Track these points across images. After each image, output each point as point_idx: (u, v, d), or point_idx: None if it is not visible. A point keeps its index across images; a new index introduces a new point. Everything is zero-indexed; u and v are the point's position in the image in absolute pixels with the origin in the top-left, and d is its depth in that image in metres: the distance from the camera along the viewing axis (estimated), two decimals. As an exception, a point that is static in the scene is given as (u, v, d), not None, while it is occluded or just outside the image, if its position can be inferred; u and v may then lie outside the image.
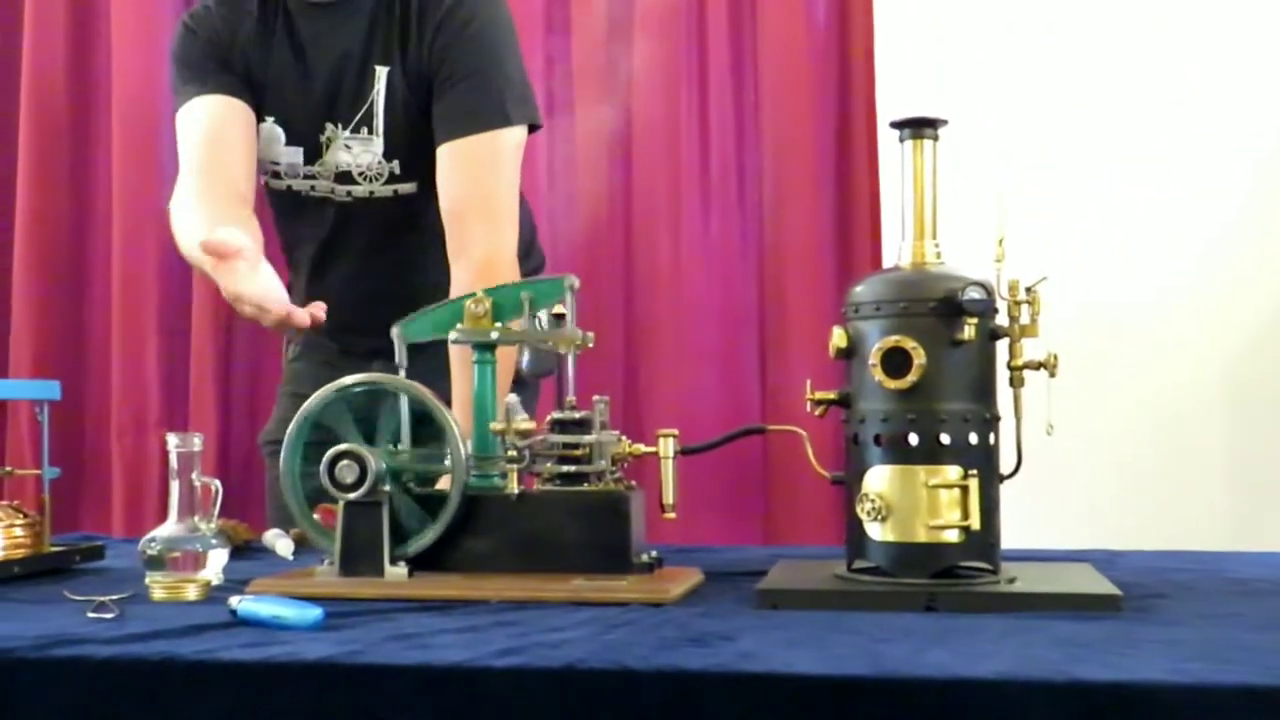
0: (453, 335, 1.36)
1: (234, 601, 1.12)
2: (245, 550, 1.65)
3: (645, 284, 2.63)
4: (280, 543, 1.60)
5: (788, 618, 1.09)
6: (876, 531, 1.18)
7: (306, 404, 1.33)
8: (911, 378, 1.17)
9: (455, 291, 1.75)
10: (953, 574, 1.18)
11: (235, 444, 2.72)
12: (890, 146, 2.50)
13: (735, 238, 2.61)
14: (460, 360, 1.71)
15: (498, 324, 1.34)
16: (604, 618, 1.09)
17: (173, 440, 1.37)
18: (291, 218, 2.02)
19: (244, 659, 0.94)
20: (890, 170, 2.50)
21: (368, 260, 1.96)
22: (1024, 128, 2.51)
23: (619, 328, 2.58)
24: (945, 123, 1.24)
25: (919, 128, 1.24)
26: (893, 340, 1.18)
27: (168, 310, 2.76)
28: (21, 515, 1.51)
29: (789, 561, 1.38)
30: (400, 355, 1.37)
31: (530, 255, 2.09)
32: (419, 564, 1.29)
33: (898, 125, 1.25)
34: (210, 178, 1.82)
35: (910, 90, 2.49)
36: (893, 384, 1.18)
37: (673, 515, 1.28)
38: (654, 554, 1.30)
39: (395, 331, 1.38)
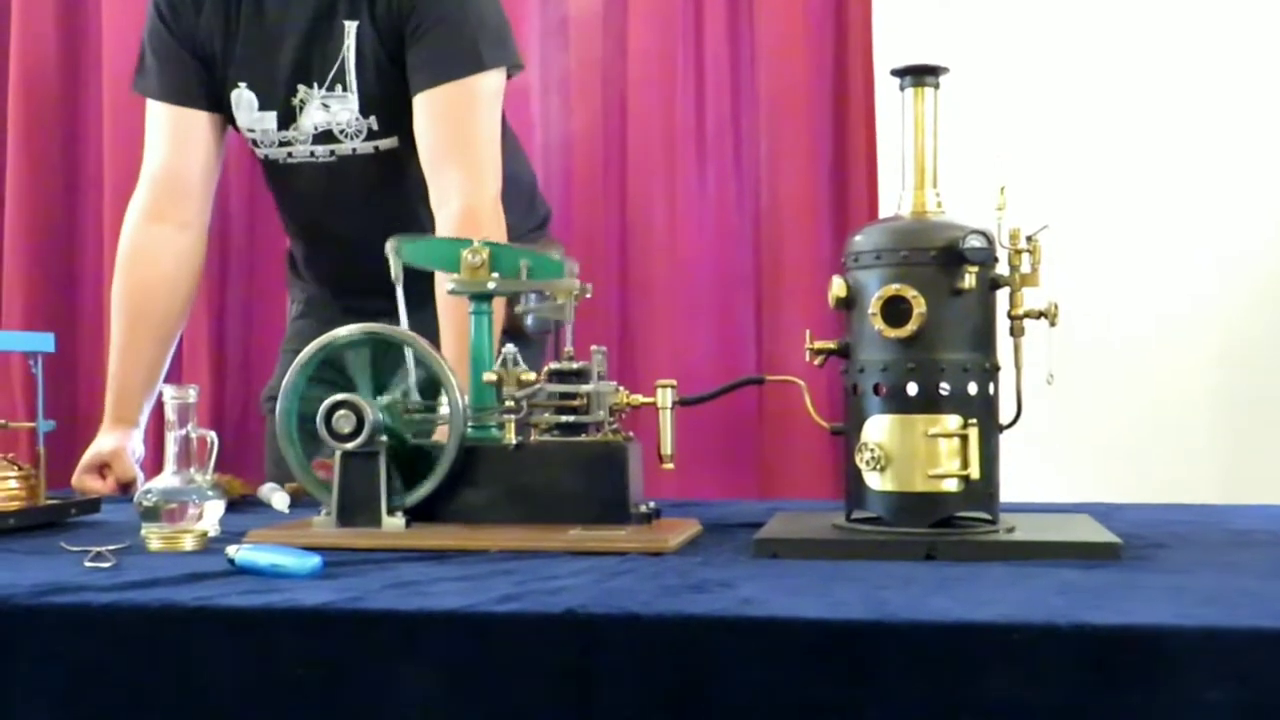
0: (449, 285, 1.35)
1: (232, 550, 1.11)
2: (240, 504, 1.65)
3: (640, 239, 2.61)
4: (276, 496, 1.59)
5: (787, 566, 1.08)
6: (875, 481, 1.18)
7: (301, 355, 1.32)
8: (911, 327, 1.16)
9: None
10: (952, 524, 1.17)
11: (229, 401, 2.71)
12: (887, 101, 2.51)
13: (731, 192, 2.59)
14: (450, 313, 1.70)
15: (495, 274, 1.33)
16: (603, 567, 1.08)
17: (169, 392, 1.37)
18: (278, 184, 2.02)
19: (243, 605, 0.93)
20: (887, 125, 2.49)
21: (358, 220, 1.95)
22: (1024, 77, 2.49)
23: (614, 283, 2.57)
24: (946, 71, 1.23)
25: (920, 75, 1.23)
26: (893, 289, 1.17)
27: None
28: (16, 468, 1.50)
29: (787, 513, 1.37)
30: (396, 270, 1.36)
31: (533, 208, 2.08)
32: (416, 515, 1.28)
33: (899, 73, 1.23)
34: (161, 194, 1.93)
35: (908, 41, 2.47)
36: (892, 333, 1.17)
37: (671, 466, 1.28)
38: (652, 505, 1.29)
39: (390, 246, 1.37)
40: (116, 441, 1.88)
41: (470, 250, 1.33)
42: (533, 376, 1.30)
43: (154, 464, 2.61)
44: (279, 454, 2.08)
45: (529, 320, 1.58)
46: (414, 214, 1.88)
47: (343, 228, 1.97)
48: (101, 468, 1.87)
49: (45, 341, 1.53)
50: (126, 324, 1.94)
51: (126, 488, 1.86)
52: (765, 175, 2.59)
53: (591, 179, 2.62)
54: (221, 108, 1.94)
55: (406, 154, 1.87)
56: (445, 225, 1.78)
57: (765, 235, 2.58)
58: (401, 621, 0.90)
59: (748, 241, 2.58)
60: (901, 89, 1.23)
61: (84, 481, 1.84)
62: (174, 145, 1.93)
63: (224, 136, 1.99)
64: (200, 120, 1.93)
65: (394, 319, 1.36)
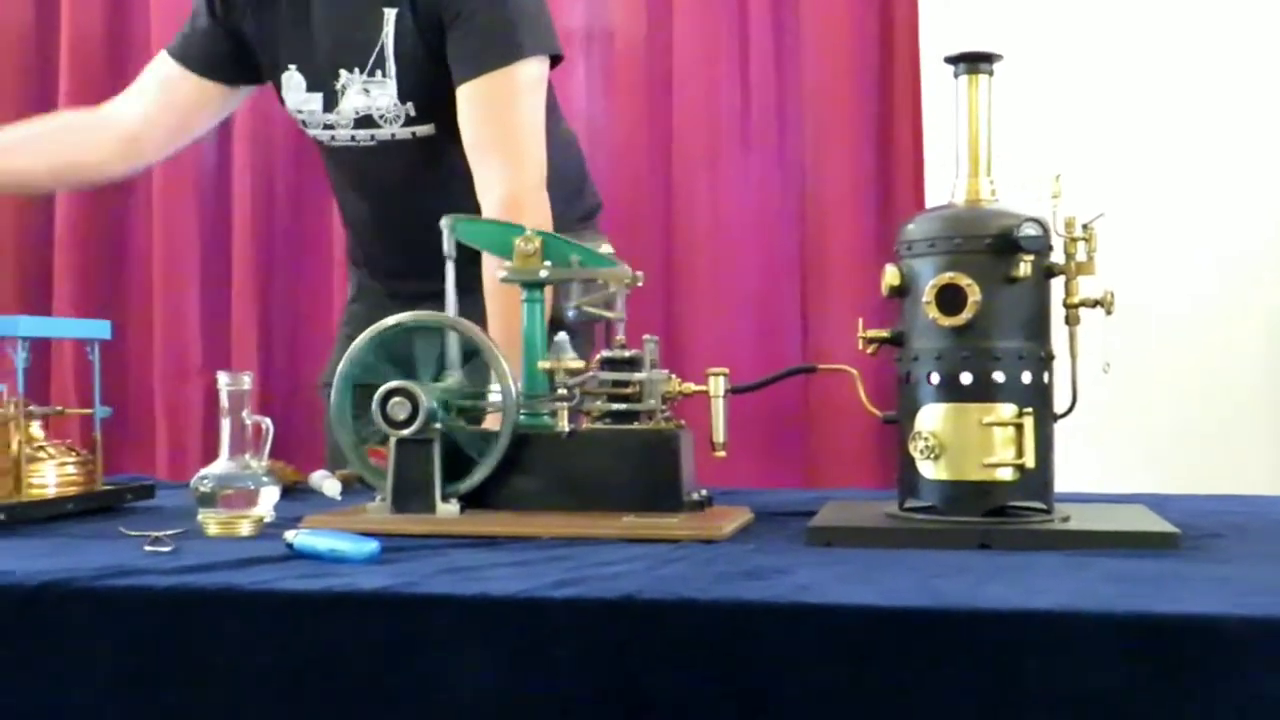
0: (501, 274, 1.36)
1: (290, 535, 1.13)
2: (292, 491, 1.66)
3: (685, 228, 2.62)
4: (327, 483, 1.60)
5: (841, 554, 1.09)
6: (929, 470, 1.18)
7: (354, 344, 1.33)
8: (966, 315, 1.16)
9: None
10: (1005, 513, 1.17)
11: (276, 386, 2.74)
12: (933, 87, 2.50)
13: (775, 180, 2.60)
14: (498, 299, 1.71)
15: (547, 262, 1.34)
16: (656, 554, 1.09)
17: (223, 379, 1.38)
18: (330, 169, 2.04)
19: (302, 589, 0.95)
20: (933, 111, 2.48)
21: (399, 206, 1.96)
22: (1073, 62, 2.47)
23: (658, 272, 2.58)
24: (1000, 58, 1.23)
25: (974, 63, 1.22)
26: (947, 277, 1.17)
27: (210, 253, 2.77)
28: (74, 453, 1.52)
29: (839, 502, 1.38)
30: (449, 245, 1.37)
31: (581, 196, 2.08)
32: (469, 501, 1.29)
33: (953, 60, 1.23)
34: (110, 116, 1.96)
35: (954, 27, 2.46)
36: (947, 321, 1.17)
37: (724, 454, 1.28)
38: (704, 493, 1.30)
39: (445, 223, 1.38)
40: None
41: (523, 238, 1.34)
42: (580, 364, 1.31)
43: (205, 449, 2.65)
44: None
45: (569, 311, 1.59)
46: (454, 202, 1.89)
47: (383, 213, 1.99)
48: None
49: (102, 329, 1.56)
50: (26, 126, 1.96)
51: None
52: (810, 163, 2.59)
53: (636, 168, 2.63)
54: (240, 77, 1.96)
55: (445, 142, 1.88)
56: (488, 213, 1.78)
57: (810, 224, 2.58)
58: (458, 606, 0.91)
59: (793, 230, 2.58)
60: (955, 76, 1.23)
61: None
62: (149, 103, 1.96)
63: (215, 110, 2.00)
64: (193, 88, 1.95)
65: (437, 304, 1.36)
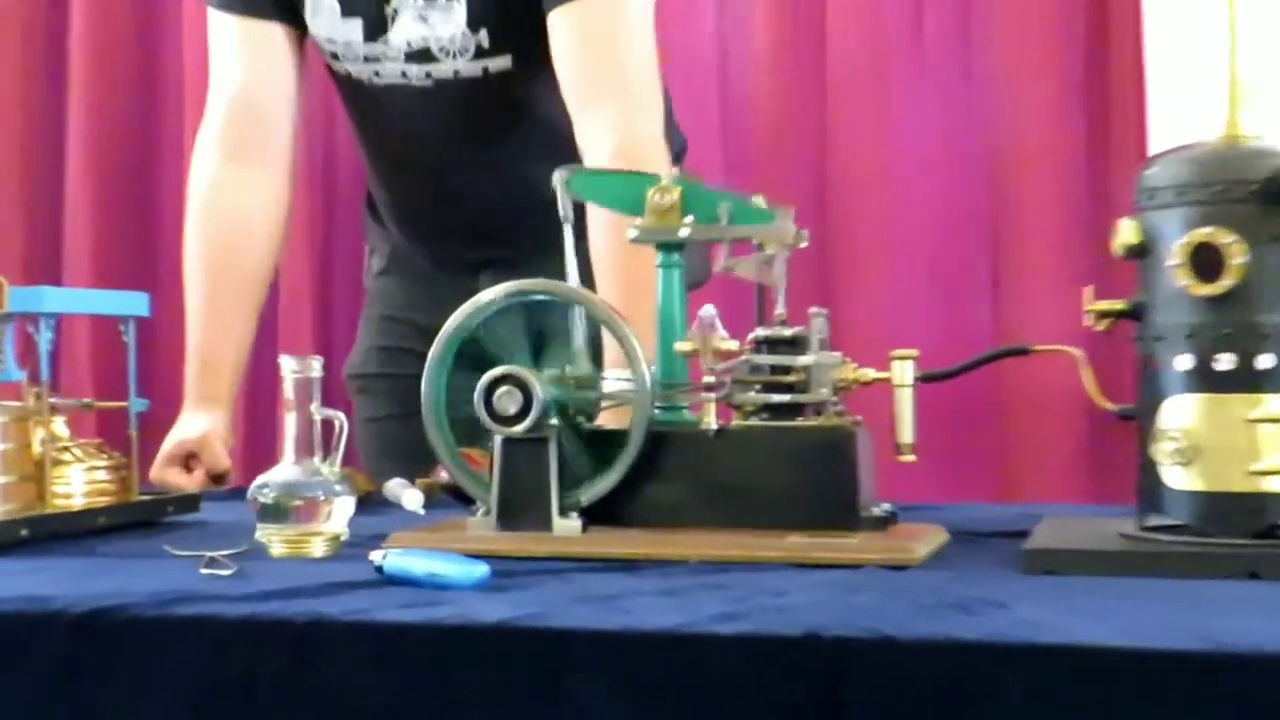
0: (631, 234, 1.37)
1: (377, 556, 1.15)
2: (364, 503, 1.70)
3: (842, 176, 2.60)
4: (407, 494, 1.63)
5: (1066, 584, 1.09)
6: (1179, 479, 1.17)
7: (450, 323, 1.35)
8: (1226, 282, 1.15)
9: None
10: (1278, 534, 1.16)
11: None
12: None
13: (957, 115, 2.57)
14: (614, 270, 1.73)
15: (688, 218, 1.35)
16: (837, 581, 1.10)
17: (288, 365, 1.40)
18: (360, 109, 2.07)
19: (406, 620, 0.97)
20: (1158, 20, 2.44)
21: (460, 157, 2.00)
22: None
23: (810, 230, 2.57)
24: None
25: (1238, -35, 1.21)
26: (1202, 234, 1.16)
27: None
28: (105, 456, 1.57)
29: (1057, 519, 1.38)
30: (565, 207, 1.39)
31: (666, 136, 2.09)
32: (593, 516, 1.31)
33: (1210, -41, 1.22)
34: (241, 127, 2.00)
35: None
36: (1202, 290, 1.16)
37: (911, 457, 1.29)
38: (886, 507, 1.30)
39: (559, 177, 1.40)
40: (204, 426, 1.95)
41: (659, 189, 1.35)
42: (732, 345, 1.32)
43: (248, 454, 2.70)
44: (374, 444, 2.16)
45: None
46: (530, 154, 1.93)
47: (439, 168, 2.03)
48: (187, 458, 1.94)
49: (138, 303, 1.60)
50: (209, 284, 2.01)
51: (218, 480, 1.92)
52: (1001, 93, 2.57)
53: (782, 103, 2.62)
54: (296, 17, 1.98)
55: (522, 79, 1.89)
56: (600, 162, 1.80)
57: (1001, 168, 2.55)
58: (599, 642, 0.93)
59: (980, 176, 2.56)
60: (1212, -20, 1.22)
61: (166, 475, 1.90)
62: (250, 65, 1.99)
63: (304, 56, 2.04)
64: (277, 35, 1.99)
65: (505, 273, 1.38)
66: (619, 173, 1.41)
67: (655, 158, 1.80)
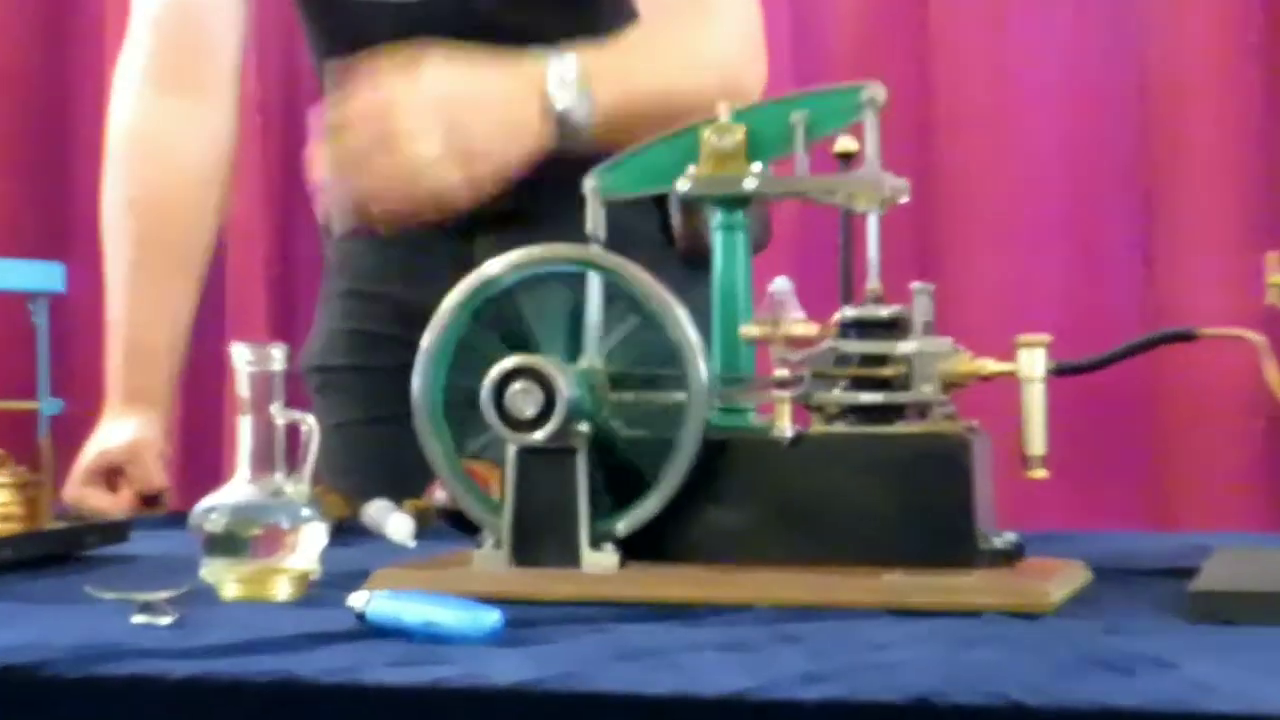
0: (682, 185, 1.36)
1: (357, 600, 1.15)
2: (341, 532, 1.70)
3: (947, 117, 2.61)
4: (393, 520, 1.63)
5: (1245, 637, 1.08)
6: (1391, 500, 1.16)
7: (451, 299, 1.35)
8: None
9: (683, 52, 1.81)
10: None
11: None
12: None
13: (1098, 41, 2.57)
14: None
15: (755, 165, 1.34)
16: (950, 631, 1.10)
17: (241, 354, 1.40)
18: (325, 31, 2.07)
19: (396, 682, 0.97)
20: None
21: None
22: None
23: (911, 185, 2.57)
24: None
25: None
26: None
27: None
28: (8, 472, 1.57)
29: (1231, 551, 1.37)
30: (595, 220, 1.38)
31: None
32: (633, 548, 1.31)
33: None
34: (172, 51, 2.03)
35: None
36: None
37: (1043, 473, 1.28)
38: (1011, 537, 1.30)
39: (590, 186, 1.39)
40: (133, 432, 1.95)
41: (716, 128, 1.34)
42: (810, 329, 1.31)
43: (190, 469, 2.70)
44: (341, 454, 2.14)
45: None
46: None
47: None
48: (111, 473, 1.94)
49: (51, 276, 1.59)
50: (135, 248, 2.02)
51: (151, 502, 1.92)
52: (1156, 14, 2.56)
53: (874, 25, 2.62)
54: None
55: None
56: (702, 55, 1.82)
57: (1156, 104, 2.55)
58: (647, 709, 0.92)
59: (1127, 117, 2.56)
60: None
61: (86, 496, 1.91)
62: None
63: None
64: None
65: (500, 236, 1.37)
66: (660, 142, 1.39)
67: (754, 88, 1.81)
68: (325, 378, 2.21)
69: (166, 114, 2.01)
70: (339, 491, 1.83)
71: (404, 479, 1.56)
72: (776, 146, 1.35)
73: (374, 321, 2.16)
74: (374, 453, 2.08)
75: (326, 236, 2.31)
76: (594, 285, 1.34)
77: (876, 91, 1.35)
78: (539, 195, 1.81)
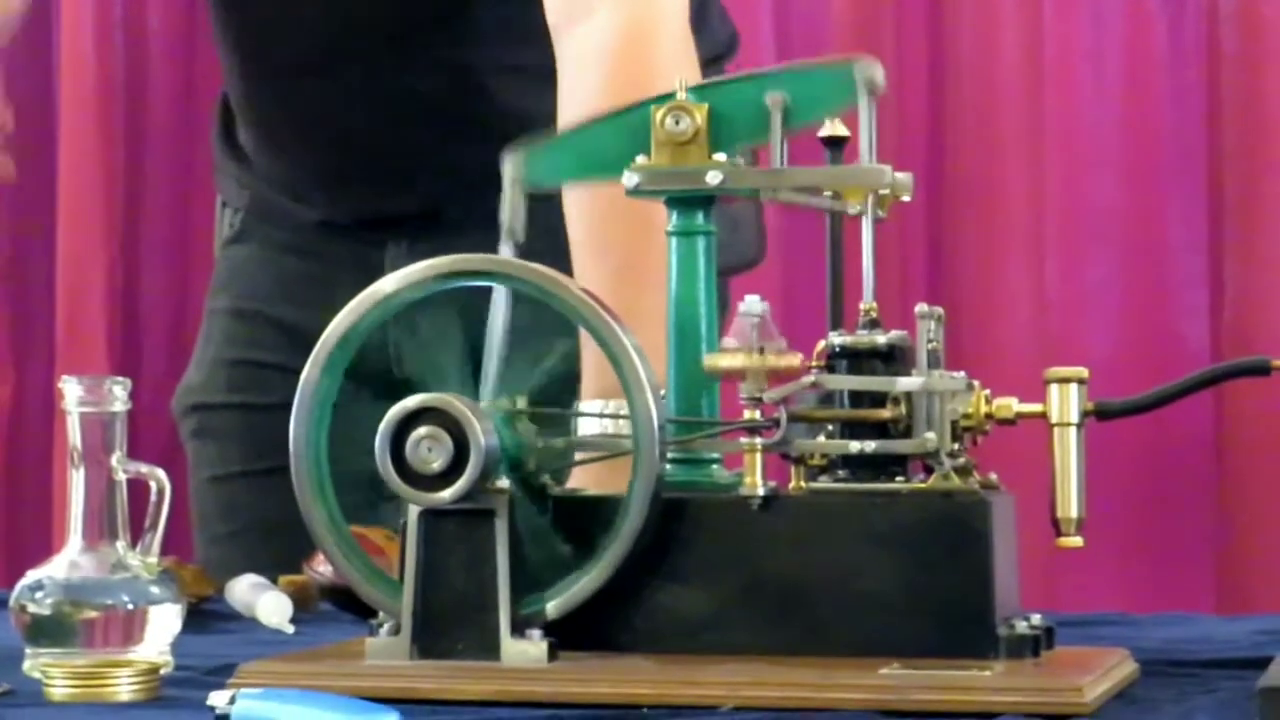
0: (629, 179, 1.36)
1: (219, 700, 1.14)
2: (199, 614, 1.69)
3: (959, 103, 2.62)
4: (266, 599, 1.63)
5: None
6: None
7: (337, 324, 1.35)
8: None
9: (571, 89, 1.80)
10: None
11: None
12: None
13: (1156, 26, 2.59)
14: (593, 250, 1.72)
15: (719, 156, 1.34)
16: (963, 742, 1.09)
17: (73, 392, 1.40)
18: (224, 16, 2.15)
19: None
20: None
21: (364, 74, 2.08)
22: None
23: (918, 183, 2.58)
24: None
25: None
26: None
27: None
28: None
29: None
30: (513, 215, 1.38)
31: (705, 24, 2.10)
32: (566, 635, 1.30)
33: None
34: None
35: None
36: None
37: (1077, 541, 1.28)
38: (1037, 620, 1.29)
39: (508, 175, 1.39)
40: None
41: (671, 108, 1.34)
42: (792, 359, 1.31)
43: (7, 536, 2.70)
44: (230, 516, 2.14)
45: None
46: (469, 67, 2.00)
47: (337, 87, 2.10)
48: None
49: None
50: None
51: None
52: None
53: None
54: None
55: None
56: (585, 51, 1.81)
57: (1228, 101, 2.56)
58: None
59: (1193, 102, 2.57)
60: None
61: None
62: None
63: None
64: None
65: (415, 244, 1.37)
66: (593, 123, 1.39)
67: (677, 39, 1.80)
68: (203, 419, 2.21)
69: None
70: (201, 564, 1.83)
71: (292, 547, 1.55)
72: (747, 133, 1.35)
73: (261, 348, 2.16)
74: (255, 515, 2.07)
75: (217, 241, 2.30)
76: (504, 303, 1.34)
77: (873, 70, 1.34)
78: (461, 195, 1.82)
